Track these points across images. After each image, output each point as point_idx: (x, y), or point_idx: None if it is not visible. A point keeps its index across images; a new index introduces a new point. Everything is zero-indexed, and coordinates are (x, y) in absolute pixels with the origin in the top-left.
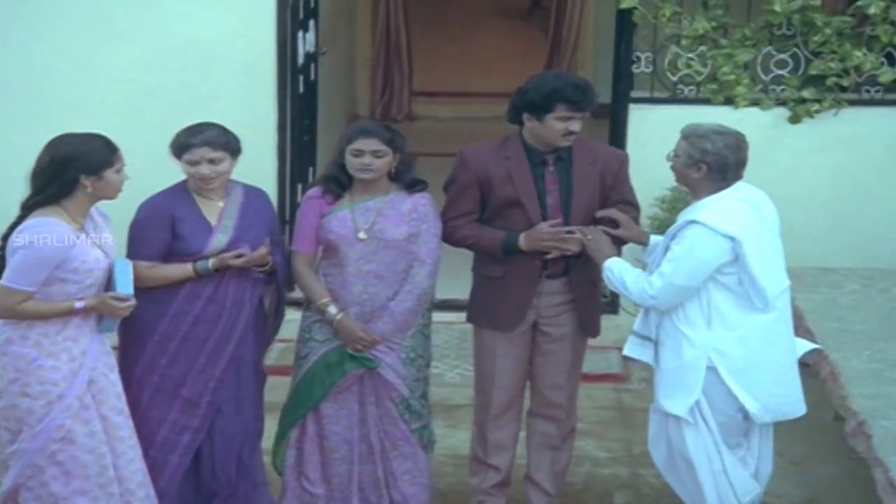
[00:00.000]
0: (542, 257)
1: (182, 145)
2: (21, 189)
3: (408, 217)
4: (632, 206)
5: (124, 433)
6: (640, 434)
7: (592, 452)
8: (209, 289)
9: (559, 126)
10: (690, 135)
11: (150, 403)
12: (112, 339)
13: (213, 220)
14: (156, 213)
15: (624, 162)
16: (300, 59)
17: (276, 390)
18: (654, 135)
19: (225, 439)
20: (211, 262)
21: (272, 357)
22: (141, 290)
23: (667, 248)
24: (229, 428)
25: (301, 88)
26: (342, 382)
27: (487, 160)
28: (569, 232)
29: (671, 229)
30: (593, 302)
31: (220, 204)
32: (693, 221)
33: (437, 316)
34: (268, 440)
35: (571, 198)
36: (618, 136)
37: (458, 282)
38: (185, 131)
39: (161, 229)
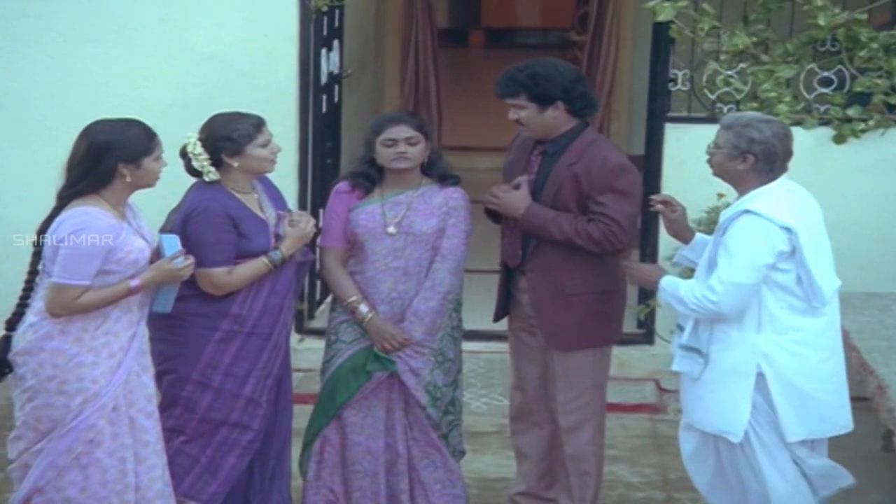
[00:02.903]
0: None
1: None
2: (30, 205)
3: (438, 211)
4: (611, 220)
5: (150, 437)
6: (677, 461)
7: (626, 477)
8: (269, 280)
9: None
10: (734, 124)
11: (211, 405)
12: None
13: (259, 213)
14: (220, 216)
15: (611, 172)
16: (323, 78)
17: (296, 418)
18: (690, 155)
19: (266, 442)
20: (285, 247)
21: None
22: (198, 289)
23: (717, 245)
24: (271, 427)
25: (324, 108)
26: (367, 385)
27: (515, 146)
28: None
29: (721, 223)
30: (557, 313)
31: (255, 196)
32: (746, 211)
33: (464, 345)
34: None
35: (542, 192)
36: (654, 157)
37: (484, 312)
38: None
39: (228, 232)
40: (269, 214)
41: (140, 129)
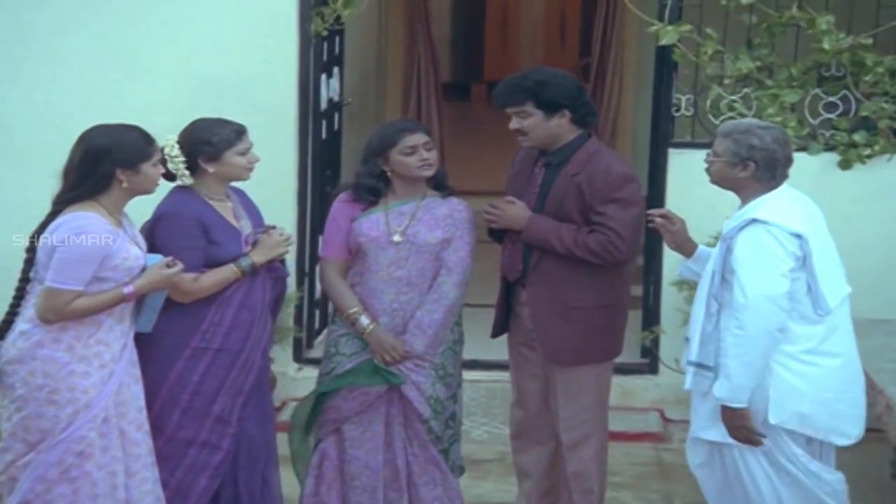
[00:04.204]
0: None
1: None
2: (27, 230)
3: (443, 222)
4: (611, 230)
5: (141, 451)
6: (682, 487)
7: (629, 503)
8: (240, 294)
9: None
10: (732, 132)
11: (179, 424)
12: None
13: (233, 222)
14: (189, 221)
15: (614, 182)
16: (323, 104)
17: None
18: (694, 181)
19: (250, 458)
20: (255, 255)
21: (286, 413)
22: (172, 303)
23: (722, 256)
24: (254, 446)
25: (323, 134)
26: (365, 399)
27: (518, 159)
28: None
29: (726, 233)
30: (557, 327)
31: (230, 204)
32: (753, 220)
33: (464, 374)
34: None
35: (545, 204)
36: (656, 182)
37: (485, 343)
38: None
39: (198, 237)
40: (243, 224)
41: (138, 133)
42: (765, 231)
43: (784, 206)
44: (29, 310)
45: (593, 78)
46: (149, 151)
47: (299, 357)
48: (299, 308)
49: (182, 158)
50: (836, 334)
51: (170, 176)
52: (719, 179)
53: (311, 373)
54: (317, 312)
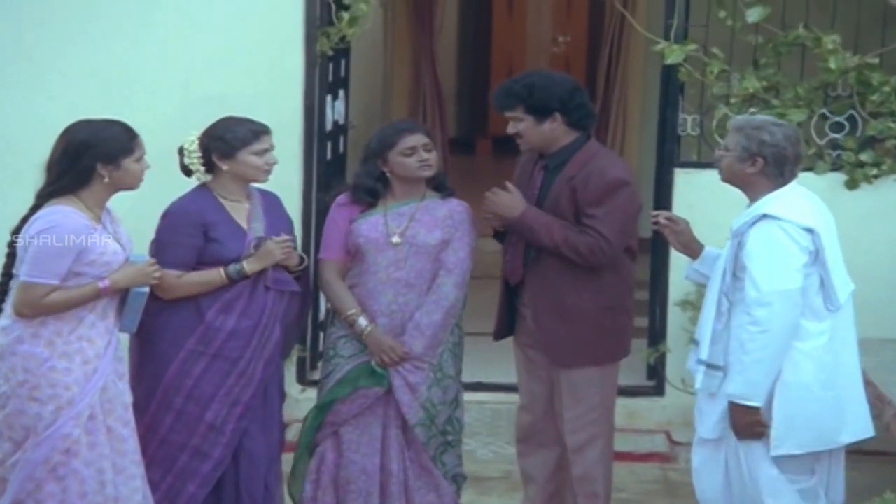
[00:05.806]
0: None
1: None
2: None
3: (443, 223)
4: (598, 233)
5: (128, 447)
6: (688, 503)
7: None
8: (242, 301)
9: None
10: (745, 126)
11: (172, 427)
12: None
13: (242, 223)
14: (186, 219)
15: (607, 185)
16: (328, 125)
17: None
18: (700, 200)
19: (251, 463)
20: (247, 263)
21: (290, 433)
22: (168, 302)
23: (734, 253)
24: (257, 451)
25: (328, 155)
26: (364, 402)
27: (521, 161)
28: None
29: (736, 229)
30: (556, 327)
31: (247, 205)
32: (764, 216)
33: (470, 396)
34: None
35: (542, 207)
36: (662, 201)
37: (489, 364)
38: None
39: (192, 235)
40: (256, 227)
41: (121, 128)
42: (777, 226)
43: (794, 201)
44: (10, 306)
45: (598, 112)
46: (131, 146)
47: (303, 378)
48: (303, 328)
49: (198, 154)
50: (841, 330)
51: (187, 171)
52: (728, 175)
53: (315, 394)
54: (320, 335)
